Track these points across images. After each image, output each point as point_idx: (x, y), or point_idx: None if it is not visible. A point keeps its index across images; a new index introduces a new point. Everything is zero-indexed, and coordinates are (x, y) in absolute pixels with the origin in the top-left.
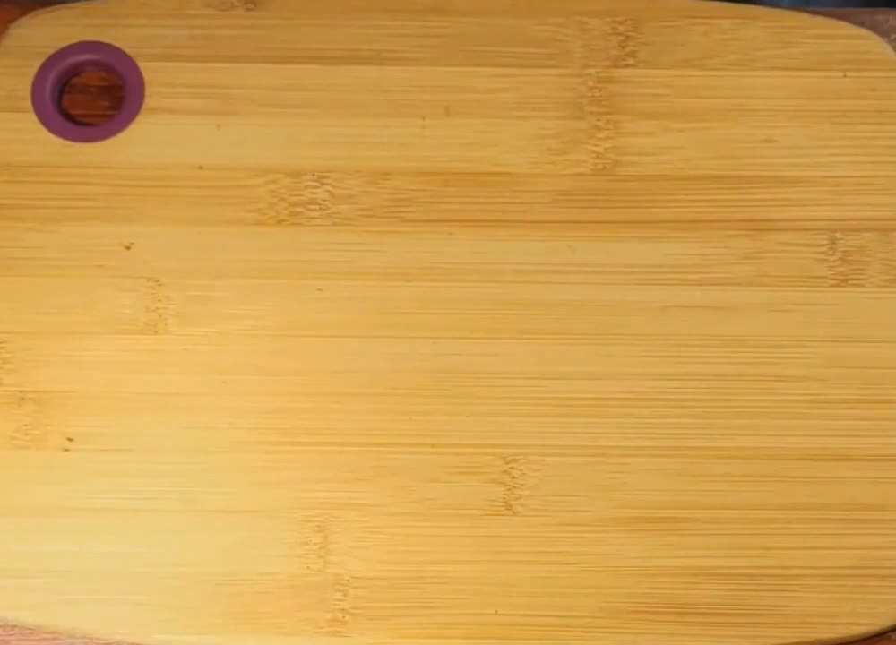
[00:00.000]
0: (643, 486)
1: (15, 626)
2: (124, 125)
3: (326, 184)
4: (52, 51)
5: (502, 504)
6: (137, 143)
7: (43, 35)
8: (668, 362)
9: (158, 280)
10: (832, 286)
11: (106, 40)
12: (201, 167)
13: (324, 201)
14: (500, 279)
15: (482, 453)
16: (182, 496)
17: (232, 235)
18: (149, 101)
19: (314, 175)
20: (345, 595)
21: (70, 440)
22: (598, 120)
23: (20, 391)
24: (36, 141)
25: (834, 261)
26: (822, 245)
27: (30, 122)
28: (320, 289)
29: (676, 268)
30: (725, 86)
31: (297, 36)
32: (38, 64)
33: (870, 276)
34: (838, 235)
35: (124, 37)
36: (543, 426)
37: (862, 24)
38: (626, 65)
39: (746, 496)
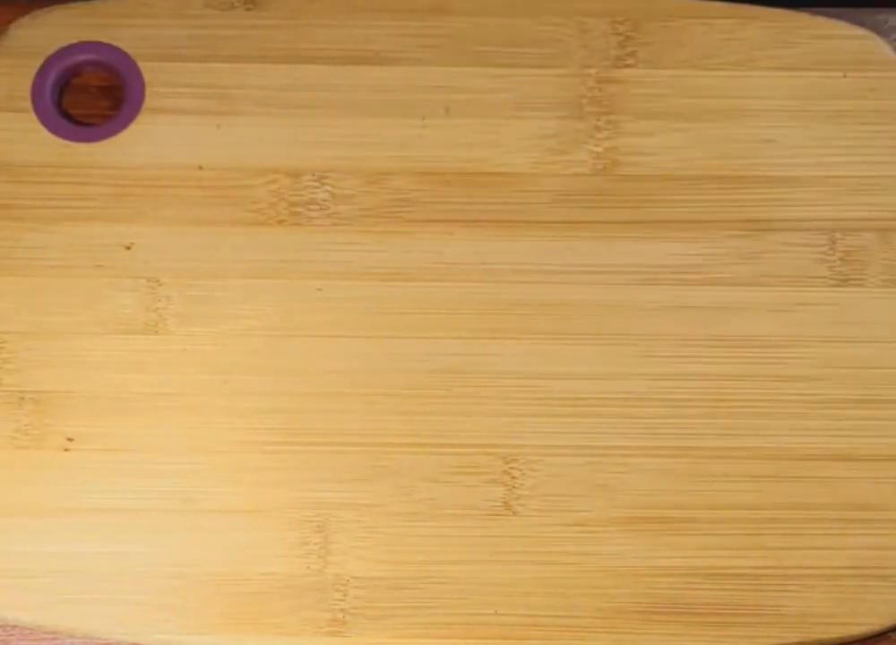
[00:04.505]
0: (643, 486)
1: (15, 626)
2: (124, 125)
3: (326, 184)
4: (52, 51)
5: (502, 504)
6: (137, 143)
7: (43, 35)
8: (668, 362)
9: (158, 280)
10: (832, 286)
11: (106, 40)
12: (201, 167)
13: (324, 201)
14: (500, 279)
15: (482, 453)
16: (182, 496)
17: (232, 235)
18: (149, 101)
19: (314, 175)
20: (345, 595)
21: (70, 440)
22: (598, 120)
23: (20, 391)
24: (36, 141)
25: (834, 261)
26: (822, 245)
27: (30, 122)
28: (320, 289)
29: (676, 268)
30: (725, 86)
31: (297, 36)
32: (38, 64)
33: (870, 276)
34: (838, 235)
35: (124, 37)
36: (543, 426)
37: (862, 24)
38: (626, 65)
39: (746, 496)
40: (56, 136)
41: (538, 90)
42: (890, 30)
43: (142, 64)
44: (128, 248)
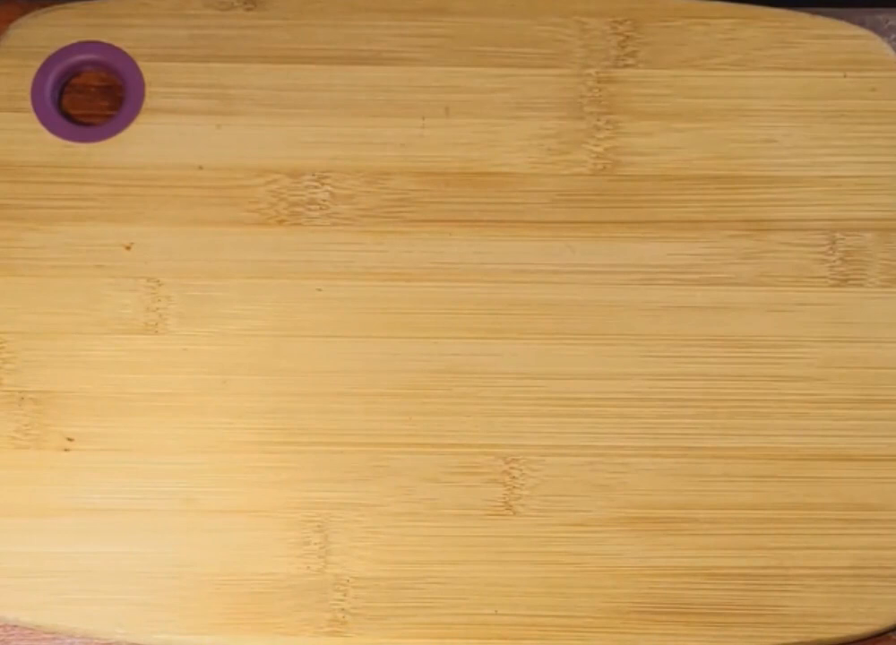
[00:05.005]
0: (643, 486)
1: (15, 626)
2: (124, 125)
3: (326, 184)
4: (52, 51)
5: (502, 504)
6: (137, 143)
7: (43, 35)
8: (668, 362)
9: (158, 280)
10: (832, 286)
11: (106, 40)
12: (201, 167)
13: (324, 201)
14: (500, 279)
15: (482, 453)
16: (182, 496)
17: (232, 235)
18: (149, 101)
19: (314, 175)
20: (345, 595)
21: (70, 440)
22: (598, 120)
23: (20, 391)
24: (36, 142)
25: (834, 261)
26: (822, 245)
27: (30, 122)
28: (320, 289)
29: (676, 268)
30: (725, 86)
31: (297, 36)
32: (38, 64)
33: (870, 276)
34: (838, 235)
35: (124, 37)
36: (543, 426)
37: (862, 24)
38: (626, 65)
39: (746, 496)
40: (56, 136)
41: (538, 90)
42: (890, 29)
43: (142, 64)
44: (128, 248)
